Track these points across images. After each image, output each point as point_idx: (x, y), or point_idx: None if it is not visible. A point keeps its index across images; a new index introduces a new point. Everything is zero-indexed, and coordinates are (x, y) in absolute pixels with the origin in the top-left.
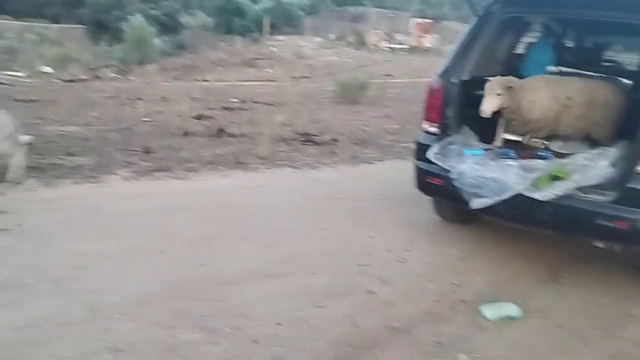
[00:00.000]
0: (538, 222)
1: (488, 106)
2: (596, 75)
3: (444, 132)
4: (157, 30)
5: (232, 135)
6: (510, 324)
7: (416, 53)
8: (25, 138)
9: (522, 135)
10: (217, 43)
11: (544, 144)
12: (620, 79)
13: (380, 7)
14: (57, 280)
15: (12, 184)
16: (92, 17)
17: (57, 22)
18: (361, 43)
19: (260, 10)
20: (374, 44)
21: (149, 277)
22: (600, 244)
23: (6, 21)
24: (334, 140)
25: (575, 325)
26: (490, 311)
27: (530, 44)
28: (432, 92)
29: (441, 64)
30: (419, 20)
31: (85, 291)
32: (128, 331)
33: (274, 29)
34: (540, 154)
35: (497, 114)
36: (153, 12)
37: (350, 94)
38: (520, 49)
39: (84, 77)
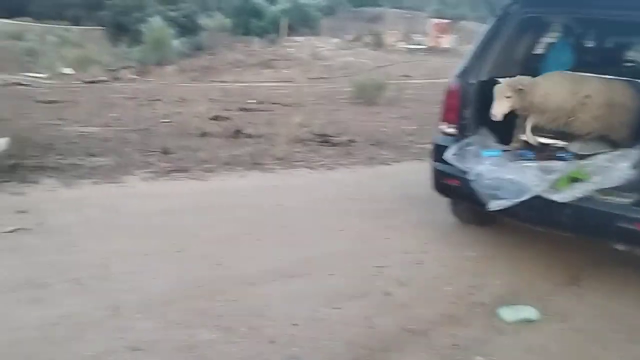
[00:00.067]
0: (557, 224)
1: (498, 110)
2: (616, 77)
3: (462, 133)
4: (176, 31)
5: (249, 136)
6: (529, 327)
7: (434, 53)
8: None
9: (536, 127)
10: (234, 44)
11: (553, 143)
12: None
13: (398, 7)
14: (78, 280)
15: None
16: (112, 19)
17: (77, 24)
18: (378, 44)
19: (277, 12)
20: (391, 45)
21: (167, 277)
22: (620, 247)
23: (28, 23)
24: (351, 141)
25: (594, 330)
26: (508, 314)
27: (550, 45)
28: (449, 93)
29: (459, 64)
30: (437, 20)
31: (106, 290)
32: (147, 330)
33: (291, 30)
34: (559, 155)
35: (513, 114)
36: (172, 13)
37: (368, 94)
38: (539, 50)
39: (103, 78)
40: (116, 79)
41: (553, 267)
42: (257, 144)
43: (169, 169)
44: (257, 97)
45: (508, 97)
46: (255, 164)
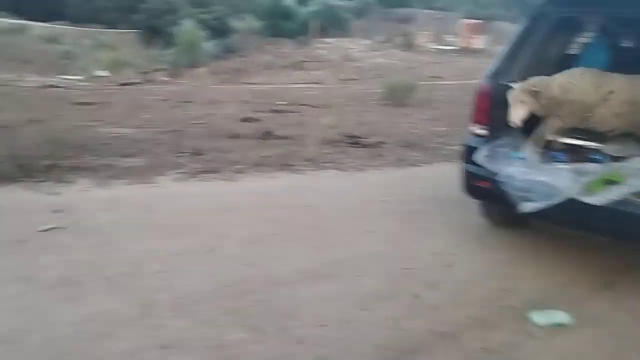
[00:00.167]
0: (591, 227)
1: (516, 116)
2: None
3: (493, 134)
4: (207, 34)
5: (279, 137)
6: (561, 333)
7: (466, 54)
8: None
9: (554, 121)
10: (265, 46)
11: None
12: None
13: (429, 8)
14: (111, 278)
15: None
16: (145, 23)
17: (112, 28)
18: (409, 45)
19: (308, 13)
20: (422, 46)
21: (199, 276)
22: None
23: (64, 27)
24: (381, 142)
25: (630, 335)
26: (539, 318)
27: (584, 45)
28: (480, 94)
29: (490, 65)
30: (469, 20)
31: (139, 289)
32: (178, 329)
33: (322, 32)
34: (593, 157)
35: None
36: (203, 16)
37: (398, 96)
38: (573, 50)
39: (137, 80)
40: (149, 81)
41: (586, 271)
42: (287, 145)
43: (200, 169)
44: (288, 99)
45: (523, 102)
46: (285, 165)
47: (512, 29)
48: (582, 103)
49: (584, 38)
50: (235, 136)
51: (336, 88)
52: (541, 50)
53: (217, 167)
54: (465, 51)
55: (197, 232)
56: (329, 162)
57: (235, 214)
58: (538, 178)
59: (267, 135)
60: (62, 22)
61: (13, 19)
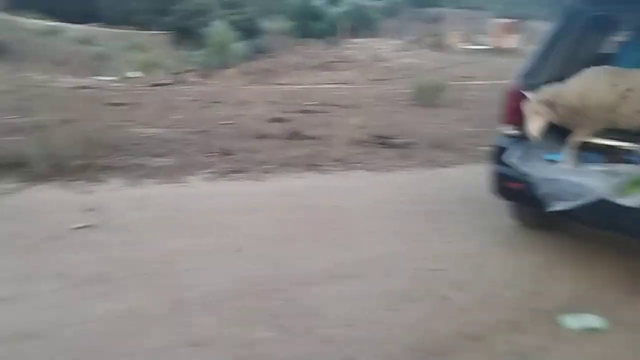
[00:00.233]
0: (625, 229)
1: (533, 128)
2: None
3: (524, 135)
4: (238, 35)
5: (307, 137)
6: (594, 337)
7: (497, 54)
8: None
9: (574, 129)
10: (295, 47)
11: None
12: None
13: (460, 7)
14: (141, 275)
15: None
16: (177, 24)
17: (144, 29)
18: (440, 45)
19: (337, 14)
20: (452, 46)
21: (226, 275)
22: None
23: (99, 28)
24: (410, 143)
25: None
26: (571, 322)
27: (620, 44)
28: (511, 94)
29: (522, 65)
30: (501, 20)
31: (168, 286)
32: (206, 326)
33: (352, 32)
34: (628, 158)
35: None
36: (234, 17)
37: (428, 96)
38: (608, 49)
39: (168, 81)
40: (180, 82)
41: (620, 275)
42: (315, 146)
43: (228, 169)
44: (317, 99)
45: (540, 113)
46: (313, 165)
47: (544, 28)
48: (601, 106)
49: (619, 36)
50: (264, 136)
51: (365, 88)
52: (574, 49)
53: (246, 167)
54: (497, 51)
55: (225, 232)
56: (357, 163)
57: (263, 214)
58: (570, 179)
59: (295, 135)
60: (95, 24)
61: (49, 20)
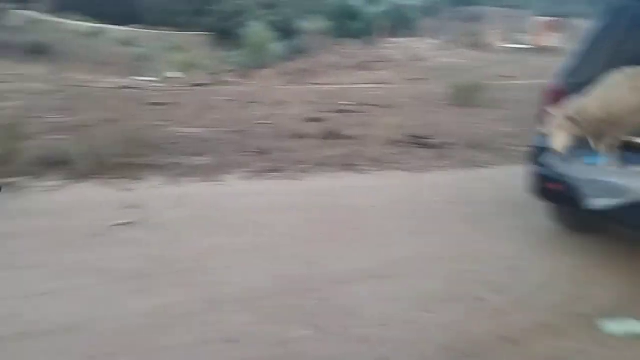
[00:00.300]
0: None
1: (558, 144)
2: None
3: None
4: (275, 35)
5: (344, 137)
6: (636, 343)
7: (538, 53)
8: None
9: (605, 137)
10: (332, 47)
11: None
12: None
13: (500, 6)
14: (179, 272)
15: None
16: (216, 25)
17: (184, 30)
18: (478, 44)
19: (375, 13)
20: (492, 45)
21: (261, 273)
22: None
23: (139, 30)
24: (447, 143)
25: None
26: (612, 327)
27: None
28: (551, 94)
29: (562, 64)
30: (542, 18)
31: (204, 283)
32: (242, 323)
33: (389, 32)
34: None
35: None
36: (272, 18)
37: (466, 96)
38: None
39: (206, 81)
40: (218, 82)
41: None
42: (351, 145)
43: (265, 168)
44: (353, 99)
45: (562, 128)
46: (349, 165)
47: (586, 26)
48: (626, 111)
49: None
50: (301, 136)
51: (402, 88)
52: (618, 47)
53: (282, 167)
54: (538, 50)
55: (260, 230)
56: (394, 163)
57: (299, 213)
58: (611, 180)
59: (331, 135)
60: (136, 26)
61: (92, 22)
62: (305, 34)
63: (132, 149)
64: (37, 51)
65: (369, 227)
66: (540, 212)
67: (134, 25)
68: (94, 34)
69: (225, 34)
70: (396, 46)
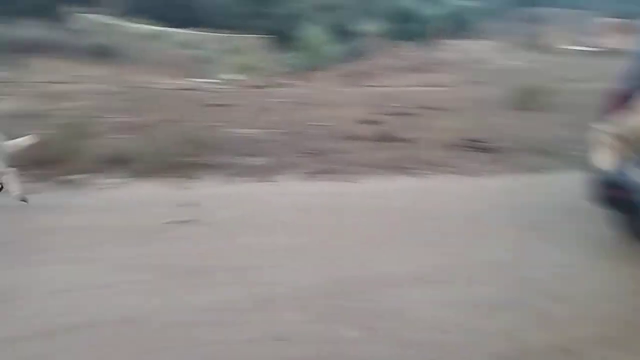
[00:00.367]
0: None
1: (604, 162)
2: None
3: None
4: (332, 38)
5: (398, 139)
6: None
7: (603, 55)
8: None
9: None
10: (388, 49)
11: None
12: None
13: (563, 7)
14: (234, 270)
15: None
16: (273, 28)
17: (242, 33)
18: (541, 46)
19: (433, 15)
20: (554, 47)
21: (313, 273)
22: None
23: (199, 33)
24: (505, 147)
25: None
26: None
27: None
28: (615, 98)
29: (628, 66)
30: (607, 19)
31: (258, 281)
32: (292, 322)
33: (448, 34)
34: None
35: None
36: (329, 20)
37: (526, 99)
38: None
39: (263, 83)
40: (274, 84)
41: None
42: (406, 148)
43: (319, 170)
44: (409, 102)
45: (608, 145)
46: (403, 167)
47: None
48: None
49: None
50: (355, 138)
51: (460, 91)
52: None
53: (336, 168)
54: (603, 52)
55: (313, 230)
56: (449, 167)
57: (351, 215)
58: None
59: (386, 137)
60: (197, 29)
61: (154, 25)
62: (362, 36)
63: (190, 148)
64: (101, 53)
65: (422, 230)
66: (599, 219)
67: (194, 28)
68: (156, 36)
69: (283, 37)
70: (454, 48)
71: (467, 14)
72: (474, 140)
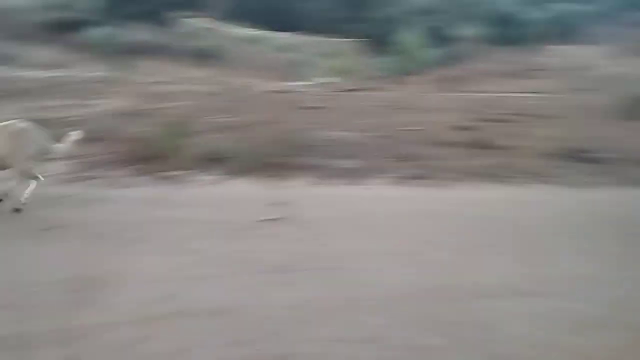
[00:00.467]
0: None
1: None
2: None
3: None
4: (428, 42)
5: (494, 147)
6: None
7: None
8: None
9: None
10: (487, 54)
11: None
12: None
13: None
14: (322, 269)
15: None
16: (369, 32)
17: (339, 37)
18: None
19: (537, 19)
20: None
21: (401, 278)
22: None
23: (297, 37)
24: (610, 158)
25: None
26: None
27: None
28: None
29: None
30: None
31: (345, 282)
32: (378, 325)
33: (550, 38)
34: None
35: None
36: (427, 24)
37: (633, 108)
38: None
39: (357, 87)
40: (369, 87)
41: None
42: (502, 156)
43: (410, 175)
44: (507, 108)
45: None
46: (498, 175)
47: None
48: None
49: None
50: (448, 144)
51: (563, 98)
52: None
53: (427, 174)
54: None
55: (402, 235)
56: (547, 176)
57: (443, 221)
58: None
59: (481, 144)
60: (295, 32)
61: (253, 29)
62: (459, 40)
63: (283, 149)
64: (204, 56)
65: (517, 241)
66: None
67: (293, 32)
68: (256, 40)
69: (378, 41)
70: (557, 54)
71: (572, 18)
72: (577, 150)
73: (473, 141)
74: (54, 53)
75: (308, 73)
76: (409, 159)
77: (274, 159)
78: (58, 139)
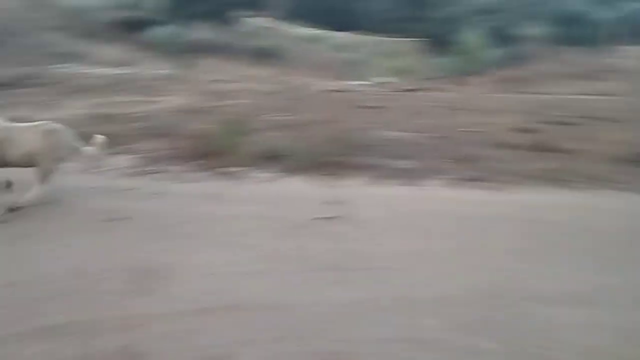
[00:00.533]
0: None
1: None
2: None
3: None
4: (490, 42)
5: (556, 150)
6: None
7: None
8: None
9: None
10: (552, 54)
11: None
12: None
13: None
14: (375, 269)
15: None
16: (429, 31)
17: (398, 36)
18: None
19: (606, 19)
20: None
21: (456, 280)
22: None
23: (355, 36)
24: None
25: None
26: None
27: None
28: None
29: None
30: None
31: (398, 283)
32: (429, 327)
33: (620, 39)
34: None
35: None
36: (488, 24)
37: None
38: None
39: (416, 87)
40: (427, 88)
41: None
42: (564, 159)
43: (467, 176)
44: (572, 110)
45: None
46: (560, 179)
47: None
48: None
49: None
50: (508, 146)
51: (630, 100)
52: None
53: (486, 176)
54: None
55: (459, 238)
56: (613, 182)
57: (501, 224)
58: None
59: (543, 147)
60: (354, 32)
61: (313, 28)
62: (523, 40)
63: (339, 148)
64: (264, 55)
65: (578, 247)
66: None
67: (352, 32)
68: (315, 39)
69: (439, 40)
70: (628, 55)
71: None
72: None
73: (534, 144)
74: (121, 51)
75: (366, 72)
76: (467, 160)
77: (331, 158)
78: (87, 140)
